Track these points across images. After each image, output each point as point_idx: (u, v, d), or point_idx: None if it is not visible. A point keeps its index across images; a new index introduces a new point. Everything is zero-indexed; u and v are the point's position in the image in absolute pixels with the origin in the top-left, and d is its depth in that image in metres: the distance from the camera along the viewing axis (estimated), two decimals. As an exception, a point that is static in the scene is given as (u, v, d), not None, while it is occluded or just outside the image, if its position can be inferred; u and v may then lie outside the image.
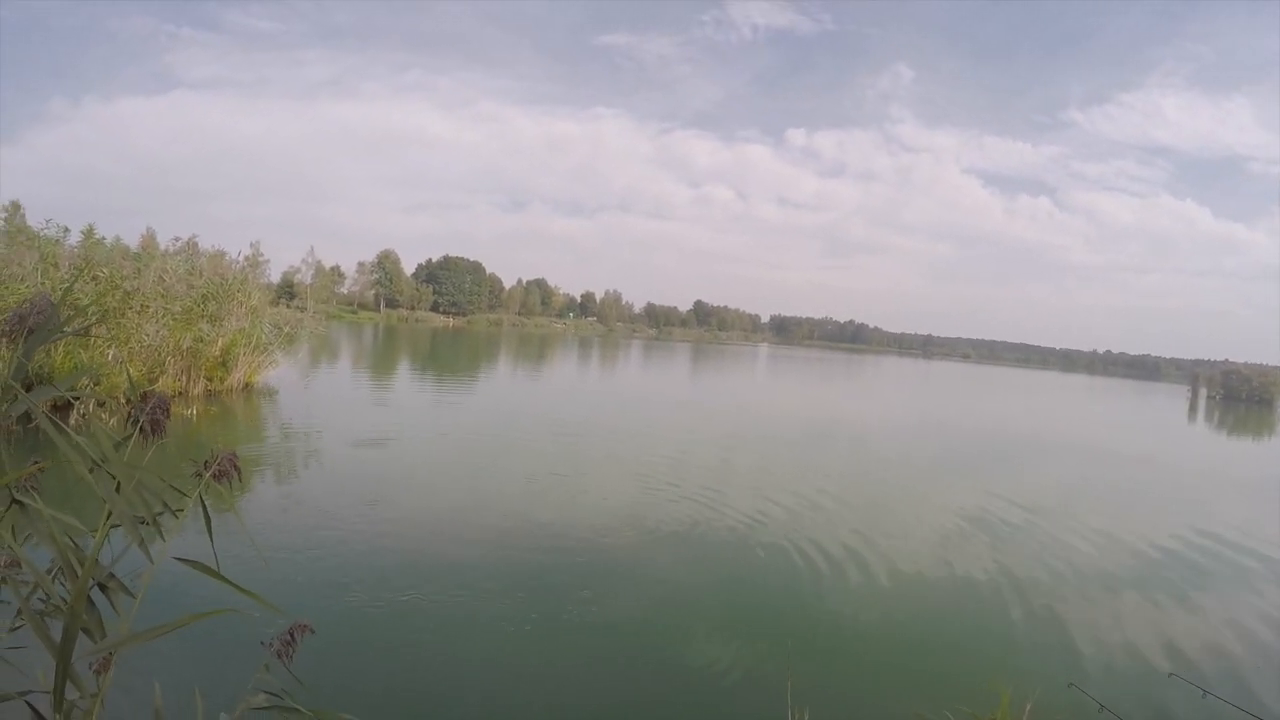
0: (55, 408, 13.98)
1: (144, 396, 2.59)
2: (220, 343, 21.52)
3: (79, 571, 2.05)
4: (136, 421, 2.52)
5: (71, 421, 13.93)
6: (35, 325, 2.34)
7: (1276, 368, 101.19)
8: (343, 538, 10.30)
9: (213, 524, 2.42)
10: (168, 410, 2.62)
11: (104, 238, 26.61)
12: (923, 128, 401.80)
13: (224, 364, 22.06)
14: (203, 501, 2.42)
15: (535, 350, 70.94)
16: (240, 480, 2.63)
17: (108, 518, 2.21)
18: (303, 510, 11.58)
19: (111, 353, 17.82)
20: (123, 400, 15.53)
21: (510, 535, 11.16)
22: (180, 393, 20.34)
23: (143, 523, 2.34)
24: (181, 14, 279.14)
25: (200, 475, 2.46)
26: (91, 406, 15.04)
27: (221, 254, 26.33)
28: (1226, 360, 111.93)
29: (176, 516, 2.39)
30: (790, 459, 20.58)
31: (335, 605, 8.14)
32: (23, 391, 2.26)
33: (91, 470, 2.27)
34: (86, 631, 2.12)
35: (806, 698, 5.54)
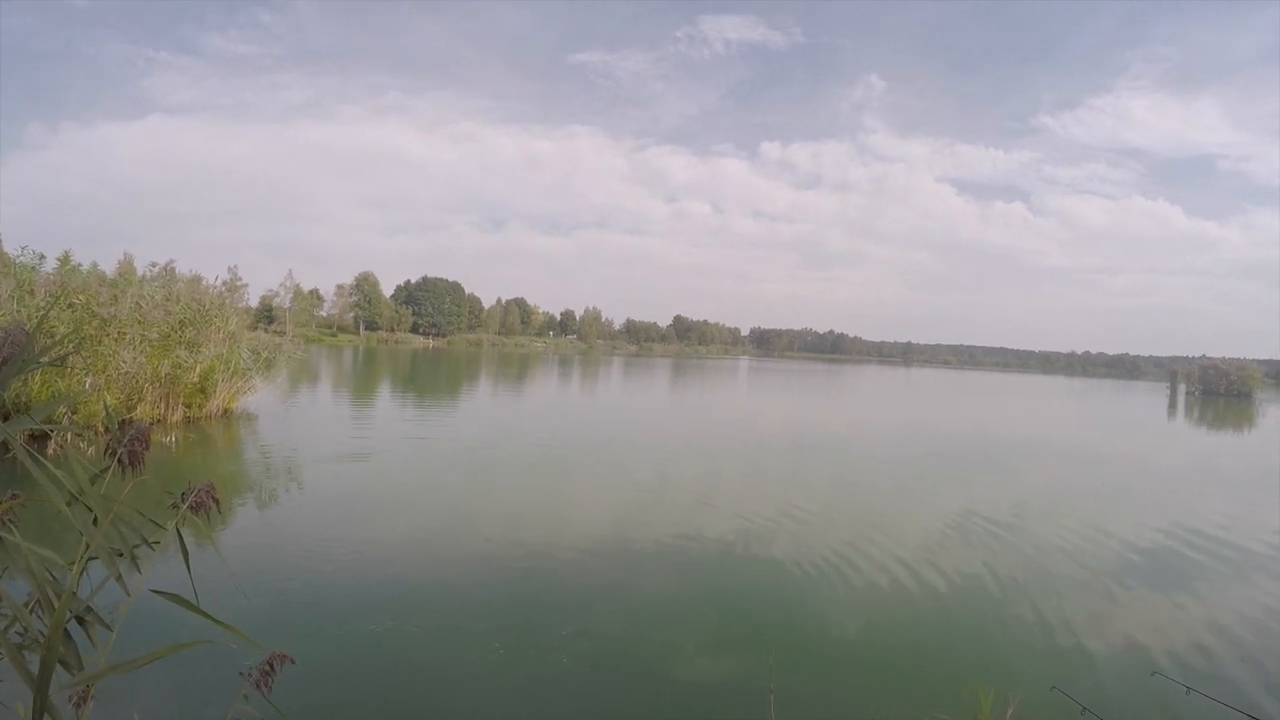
0: (33, 438, 13.89)
1: (122, 426, 2.60)
2: (198, 369, 21.39)
3: (55, 604, 2.06)
4: (114, 453, 2.53)
5: (49, 452, 13.84)
6: (9, 356, 2.35)
7: (1253, 361, 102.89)
8: (324, 564, 10.26)
9: (195, 554, 2.43)
10: (147, 441, 2.64)
11: (80, 264, 26.49)
12: (896, 137, 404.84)
13: (202, 390, 21.95)
14: (179, 534, 2.43)
15: (515, 370, 70.78)
16: (219, 511, 2.64)
17: (85, 550, 2.22)
18: (283, 537, 11.53)
19: (89, 381, 17.71)
20: (101, 429, 15.42)
21: (492, 556, 11.16)
22: (159, 420, 20.22)
23: (120, 555, 2.35)
24: (159, 39, 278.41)
25: (177, 507, 2.47)
26: (69, 437, 14.91)
27: (199, 279, 26.23)
28: (1204, 356, 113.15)
29: (153, 549, 2.40)
30: (772, 470, 20.63)
31: (317, 633, 8.10)
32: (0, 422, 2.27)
33: (69, 503, 2.28)
34: (64, 664, 2.13)
35: (789, 710, 5.57)
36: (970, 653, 8.63)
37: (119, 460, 2.54)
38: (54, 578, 2.27)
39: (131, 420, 18.68)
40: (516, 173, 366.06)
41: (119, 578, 2.29)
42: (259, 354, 24.81)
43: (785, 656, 8.14)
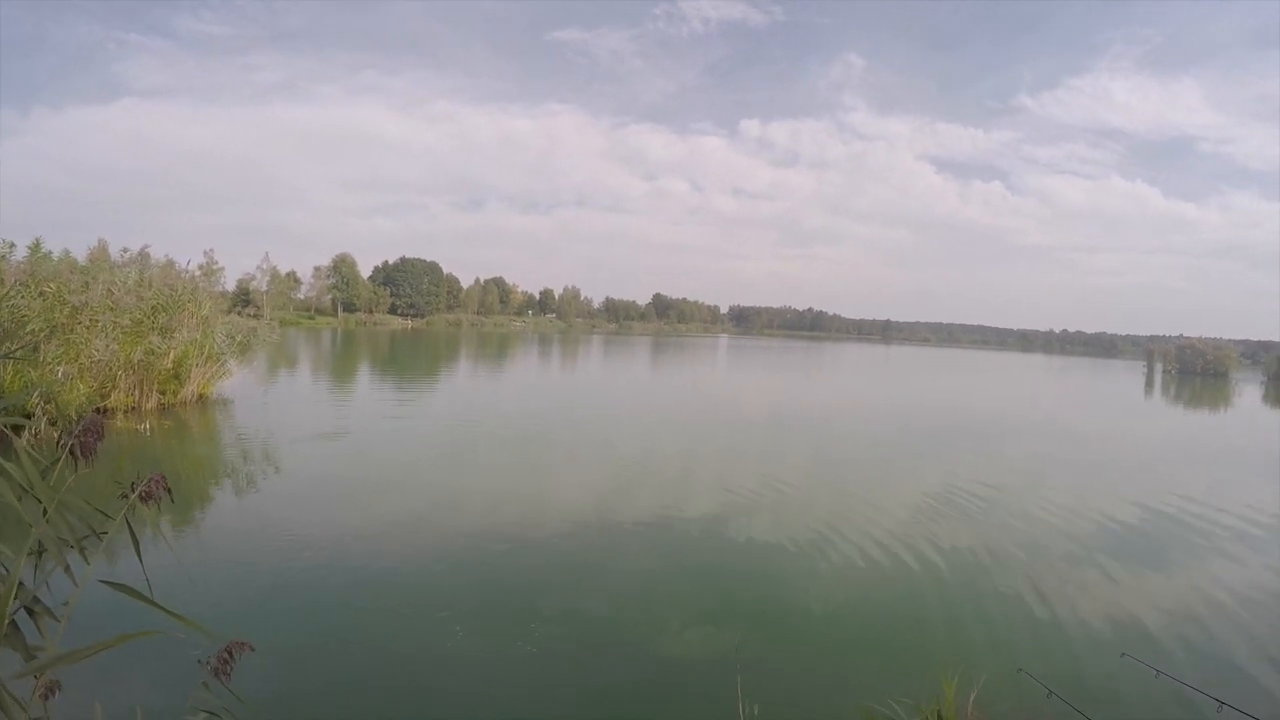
0: (14, 426, 13.80)
1: (61, 421, 2.61)
2: (172, 355, 21.26)
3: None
4: (66, 444, 2.54)
5: (24, 440, 13.75)
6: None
7: (1229, 341, 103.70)
8: (299, 548, 10.27)
9: (166, 542, 2.43)
10: (100, 432, 2.64)
11: (51, 252, 26.21)
12: (875, 115, 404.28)
13: (176, 376, 21.81)
14: (129, 524, 2.44)
15: (494, 350, 70.57)
16: (172, 501, 2.65)
17: (31, 543, 2.23)
18: (257, 522, 11.52)
19: (61, 369, 17.58)
20: (74, 418, 15.33)
21: (472, 537, 11.25)
22: (133, 407, 20.11)
23: (70, 547, 2.36)
24: (130, 21, 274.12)
25: (127, 497, 2.48)
26: (44, 426, 14.83)
27: (171, 264, 26.03)
28: (1181, 336, 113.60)
29: (100, 539, 2.41)
30: (752, 448, 20.73)
31: (293, 617, 8.15)
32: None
33: (20, 497, 2.29)
34: (21, 653, 2.15)
35: (757, 692, 5.62)
36: (941, 632, 8.67)
37: (70, 452, 2.55)
38: (7, 570, 2.27)
39: (104, 409, 18.63)
40: (495, 152, 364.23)
41: (67, 569, 2.30)
42: (233, 338, 24.67)
43: (755, 635, 8.24)
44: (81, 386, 17.84)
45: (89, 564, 2.31)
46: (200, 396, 23.07)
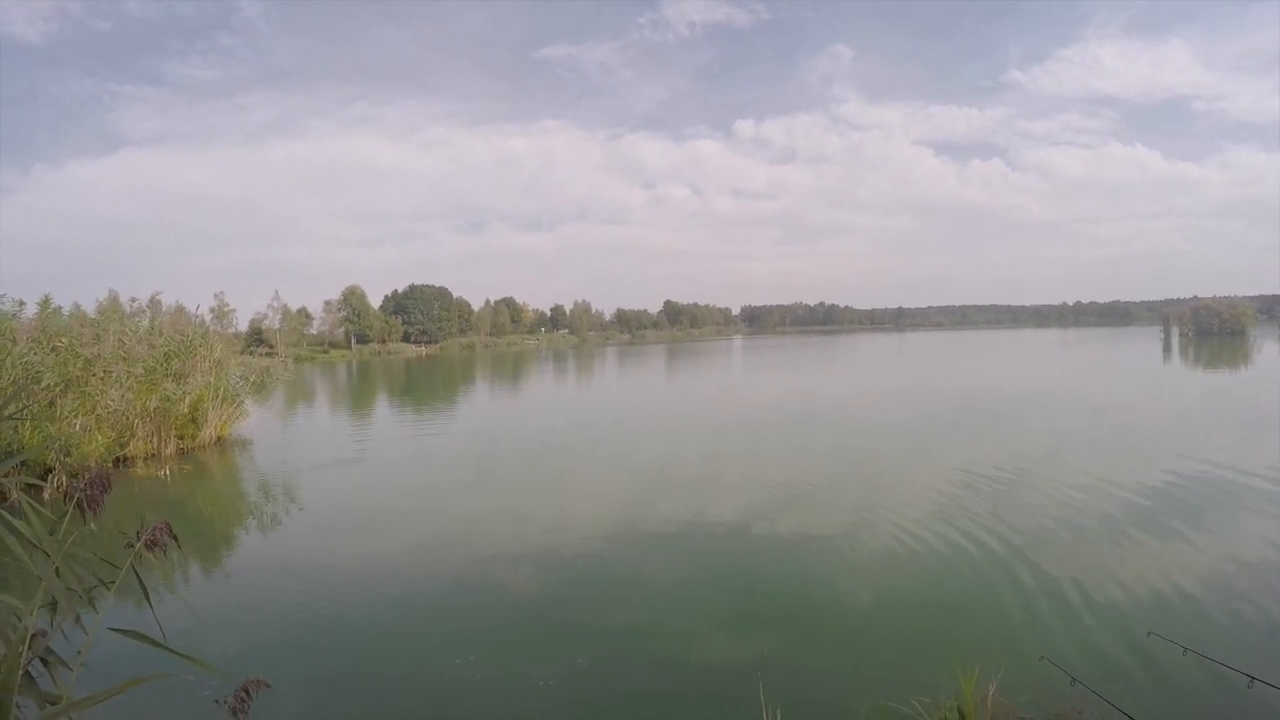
0: (29, 485, 13.91)
1: (83, 474, 2.68)
2: (187, 400, 21.41)
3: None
4: (73, 498, 2.61)
5: (46, 496, 13.86)
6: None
7: (1243, 298, 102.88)
8: (319, 582, 10.38)
9: (181, 585, 2.47)
10: (106, 486, 2.71)
11: (60, 306, 26.43)
12: (867, 104, 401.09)
13: (194, 421, 21.98)
14: (135, 571, 2.50)
15: (510, 369, 70.66)
16: (179, 547, 2.71)
17: (40, 596, 2.29)
18: (276, 559, 11.69)
19: (79, 422, 17.72)
20: (94, 469, 15.42)
21: (496, 558, 11.31)
22: (152, 454, 20.24)
23: (79, 598, 2.42)
24: (120, 72, 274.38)
25: (132, 546, 2.54)
26: (64, 479, 14.95)
27: (181, 309, 26.19)
28: (1195, 296, 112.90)
29: (109, 589, 2.47)
30: (769, 449, 20.67)
31: (312, 654, 8.22)
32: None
33: (31, 554, 2.36)
34: (36, 699, 2.21)
35: (780, 695, 5.63)
36: (963, 622, 8.62)
37: (77, 505, 2.61)
38: (21, 622, 2.33)
39: (124, 458, 18.77)
40: (492, 173, 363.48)
41: (77, 620, 2.37)
42: (247, 379, 24.83)
43: (779, 637, 8.24)
44: (100, 437, 17.99)
45: (98, 613, 2.37)
46: (219, 439, 23.21)
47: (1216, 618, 8.46)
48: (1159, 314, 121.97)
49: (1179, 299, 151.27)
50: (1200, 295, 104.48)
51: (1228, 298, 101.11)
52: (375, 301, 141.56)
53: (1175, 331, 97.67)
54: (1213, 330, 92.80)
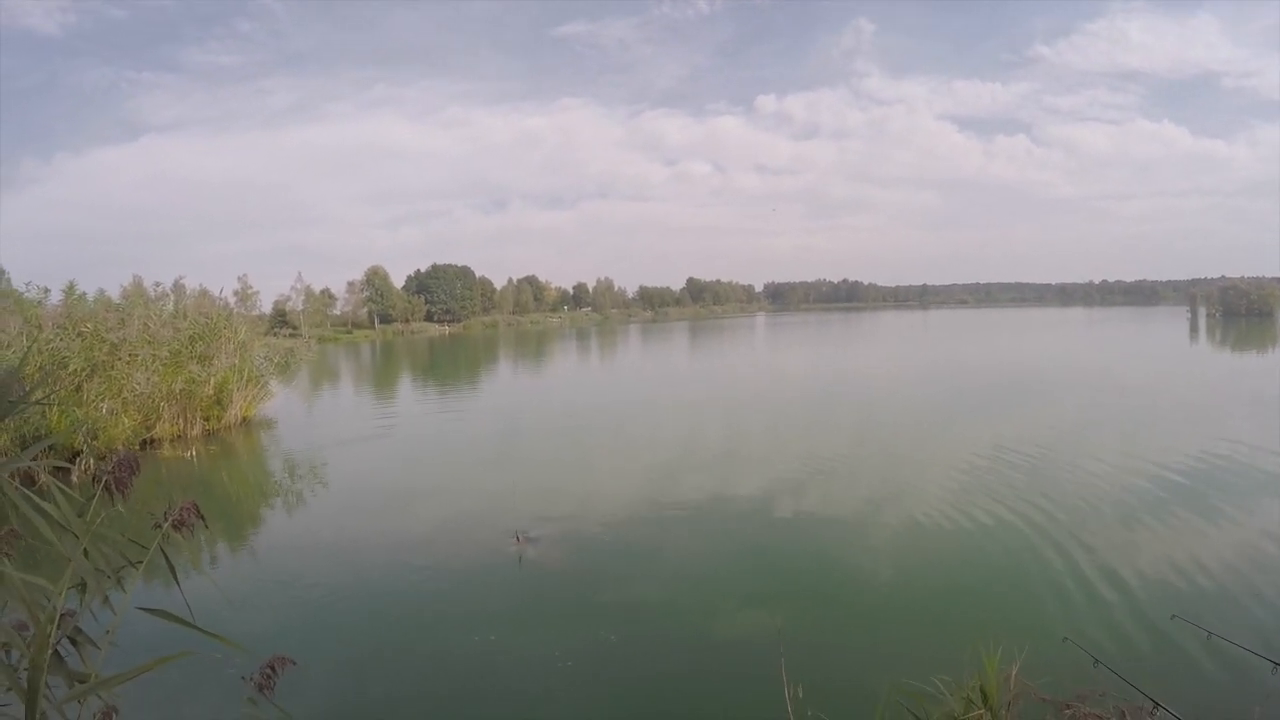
0: (57, 468, 14.08)
1: (110, 456, 2.72)
2: (212, 382, 21.60)
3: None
4: (101, 480, 2.65)
5: (74, 478, 14.02)
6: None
7: (1272, 280, 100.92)
8: (345, 560, 10.51)
9: (218, 564, 2.51)
10: (135, 468, 2.75)
11: (85, 293, 26.69)
12: (891, 79, 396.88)
13: (219, 402, 22.15)
14: (163, 551, 2.54)
15: (533, 347, 70.72)
16: (206, 526, 2.75)
17: (68, 576, 2.34)
18: (302, 538, 11.83)
19: (105, 405, 17.89)
20: (121, 451, 15.55)
21: (522, 535, 11.27)
22: (179, 436, 20.42)
23: (107, 578, 2.46)
24: (138, 60, 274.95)
25: (160, 526, 2.58)
26: (92, 462, 15.11)
27: (206, 293, 26.37)
28: (1223, 277, 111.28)
29: (136, 569, 2.51)
30: (794, 426, 20.73)
31: (342, 632, 8.31)
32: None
33: (61, 535, 2.40)
34: (65, 678, 2.26)
35: (801, 672, 5.64)
36: (987, 602, 8.63)
37: (105, 488, 2.65)
38: (50, 603, 2.38)
39: (151, 440, 18.95)
40: (512, 152, 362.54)
41: (105, 600, 2.41)
42: (271, 359, 25.00)
43: (802, 614, 8.27)
44: (126, 420, 18.15)
45: (126, 593, 2.41)
46: (244, 419, 23.40)
47: (1241, 602, 8.39)
48: (1185, 294, 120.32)
49: (1206, 279, 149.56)
50: (1228, 275, 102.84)
51: (1256, 278, 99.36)
52: (398, 281, 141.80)
53: (1202, 311, 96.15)
54: (1240, 311, 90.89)
